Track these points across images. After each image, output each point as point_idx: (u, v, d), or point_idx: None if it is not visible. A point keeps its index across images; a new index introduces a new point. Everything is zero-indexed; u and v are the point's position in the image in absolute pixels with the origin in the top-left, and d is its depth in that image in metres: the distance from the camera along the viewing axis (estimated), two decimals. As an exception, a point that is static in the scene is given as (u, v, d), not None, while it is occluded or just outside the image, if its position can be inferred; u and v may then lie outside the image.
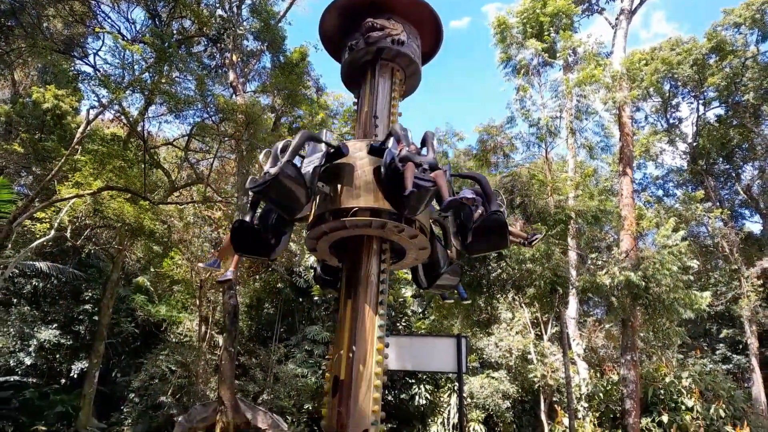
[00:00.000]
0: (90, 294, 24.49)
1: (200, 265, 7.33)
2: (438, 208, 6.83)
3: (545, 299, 14.86)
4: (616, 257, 14.63)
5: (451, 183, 6.73)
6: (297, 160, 6.50)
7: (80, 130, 15.81)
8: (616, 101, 16.70)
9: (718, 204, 23.34)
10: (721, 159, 24.58)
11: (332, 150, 6.65)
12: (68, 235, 17.68)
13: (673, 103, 24.32)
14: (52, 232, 16.54)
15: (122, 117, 16.54)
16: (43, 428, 18.53)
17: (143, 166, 16.15)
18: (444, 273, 7.47)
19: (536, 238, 7.27)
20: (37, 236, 17.05)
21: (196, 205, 19.92)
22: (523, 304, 18.39)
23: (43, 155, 18.59)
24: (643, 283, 12.75)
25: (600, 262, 15.23)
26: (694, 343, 22.84)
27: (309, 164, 6.45)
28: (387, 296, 6.83)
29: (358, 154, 6.74)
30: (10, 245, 18.65)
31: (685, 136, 25.15)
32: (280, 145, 6.61)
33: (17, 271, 22.90)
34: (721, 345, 26.34)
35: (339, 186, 6.59)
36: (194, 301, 22.34)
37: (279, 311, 26.69)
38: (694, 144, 24.42)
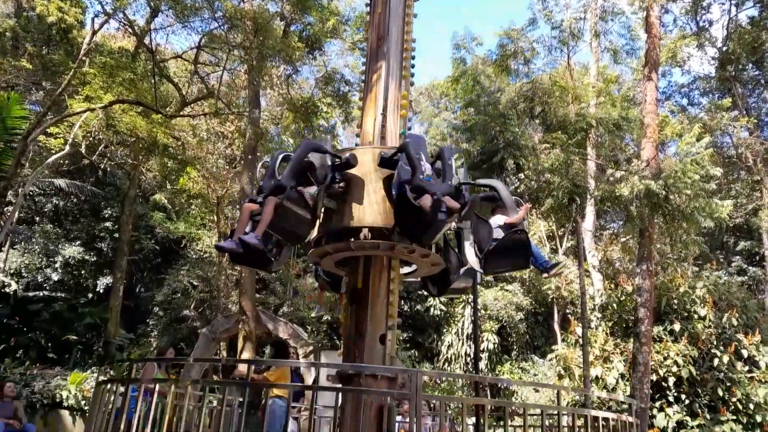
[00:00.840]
0: (109, 212, 24.87)
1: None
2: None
3: (563, 211, 14.73)
4: (636, 167, 14.31)
5: (463, 192, 5.97)
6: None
7: (86, 40, 15.42)
8: (644, 0, 15.72)
9: (744, 113, 22.52)
10: (751, 65, 23.47)
11: (338, 161, 6.09)
12: (83, 150, 17.69)
13: (704, 3, 22.91)
14: (67, 147, 16.53)
15: (128, 27, 16.05)
16: (74, 338, 19.36)
17: (153, 78, 15.83)
18: (457, 278, 6.93)
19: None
20: (53, 152, 17.07)
21: (208, 121, 19.72)
22: (539, 217, 18.28)
23: (52, 69, 18.29)
24: (664, 192, 12.48)
25: (619, 174, 14.93)
26: (710, 255, 22.81)
27: (313, 184, 5.83)
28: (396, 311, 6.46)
29: (366, 165, 6.15)
30: (27, 164, 18.77)
31: (714, 40, 23.96)
32: (279, 158, 6.07)
33: (38, 190, 23.22)
34: (737, 257, 26.31)
35: (346, 202, 6.07)
36: (212, 217, 22.58)
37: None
38: (724, 48, 23.24)
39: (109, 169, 23.53)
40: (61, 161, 20.61)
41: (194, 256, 24.85)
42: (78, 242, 24.57)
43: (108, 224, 24.92)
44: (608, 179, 14.79)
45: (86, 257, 24.34)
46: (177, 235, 23.74)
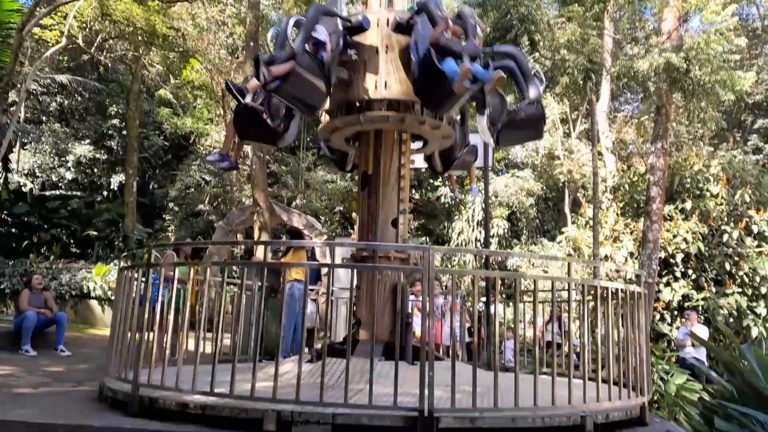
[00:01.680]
0: (115, 109, 24.63)
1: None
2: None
3: (577, 92, 14.28)
4: (656, 42, 13.64)
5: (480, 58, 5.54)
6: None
7: None
8: None
9: (775, -19, 21.08)
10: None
11: (350, 25, 5.70)
12: (81, 44, 17.16)
13: None
14: (64, 39, 16.02)
15: None
16: (94, 233, 19.89)
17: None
18: (461, 156, 6.89)
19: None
20: (50, 45, 16.59)
21: (207, 9, 18.86)
22: (553, 97, 17.77)
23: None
24: (685, 66, 11.96)
25: (637, 50, 14.28)
26: (726, 133, 22.37)
27: (326, 48, 5.39)
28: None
29: (381, 31, 5.77)
30: (27, 62, 18.32)
31: None
32: (291, 22, 5.60)
33: (40, 89, 22.85)
34: (754, 136, 25.80)
35: (358, 71, 5.76)
36: (218, 111, 22.27)
37: (303, 120, 26.63)
38: None
39: (110, 64, 22.95)
40: (61, 57, 20.11)
41: (204, 152, 24.85)
42: (87, 141, 24.58)
43: (115, 122, 24.77)
44: (626, 55, 14.17)
45: (97, 155, 24.47)
46: (185, 130, 23.59)
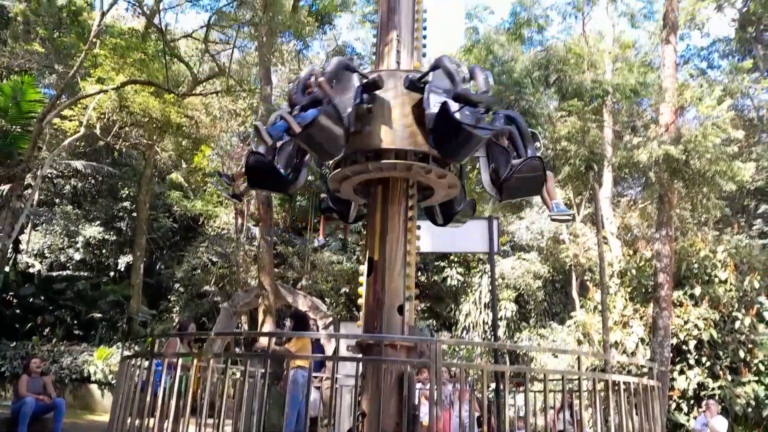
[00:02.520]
0: (127, 192, 25.18)
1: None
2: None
3: (580, 179, 14.59)
4: (654, 133, 14.08)
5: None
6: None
7: (96, 22, 15.40)
8: (662, -39, 15.30)
9: (765, 74, 21.96)
10: (772, 25, 22.85)
11: (366, 81, 6.00)
12: (98, 132, 17.83)
13: (725, -37, 22.27)
14: (82, 129, 16.65)
15: (138, 7, 15.99)
16: (99, 315, 19.80)
17: (164, 58, 15.82)
18: (461, 210, 7.06)
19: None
20: (68, 134, 17.23)
21: (220, 98, 19.71)
22: (556, 185, 18.10)
23: (64, 53, 18.35)
24: (683, 157, 12.30)
25: (637, 140, 14.71)
26: (731, 218, 22.50)
27: (347, 101, 5.74)
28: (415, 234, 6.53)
29: (394, 87, 6.11)
30: (44, 147, 18.98)
31: (734, 1, 23.26)
32: (308, 75, 5.92)
33: (55, 172, 23.51)
34: (759, 220, 25.89)
35: (370, 124, 6.04)
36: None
37: (311, 203, 27.08)
38: (744, 9, 22.57)
39: (124, 149, 23.72)
40: (77, 143, 20.78)
41: (212, 233, 25.10)
42: (98, 222, 24.95)
43: (126, 204, 25.24)
44: (626, 146, 14.58)
45: (106, 237, 24.73)
46: (194, 212, 23.99)
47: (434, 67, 6.01)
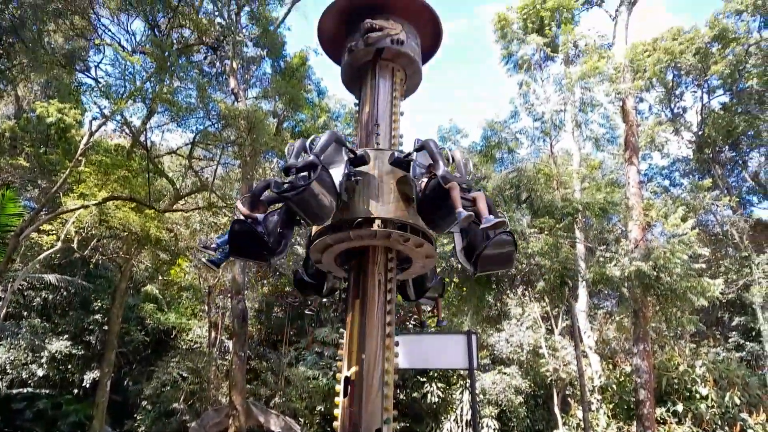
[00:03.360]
0: (99, 304, 24.59)
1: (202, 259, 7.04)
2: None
3: (555, 293, 14.81)
4: (625, 248, 14.56)
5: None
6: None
7: (83, 141, 15.86)
8: (620, 92, 16.60)
9: (726, 192, 23.14)
10: (727, 147, 24.38)
11: (353, 156, 6.51)
12: (75, 246, 17.73)
13: (677, 92, 24.12)
14: (59, 243, 16.59)
15: (125, 127, 16.58)
16: (58, 439, 18.62)
17: (147, 175, 16.18)
18: (431, 286, 7.43)
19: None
20: (45, 248, 17.10)
21: (201, 212, 19.96)
22: (532, 299, 18.30)
23: (48, 168, 18.65)
24: (655, 273, 12.66)
25: (609, 255, 15.16)
26: (706, 331, 22.70)
27: (337, 172, 6.22)
28: (395, 304, 6.72)
29: (379, 163, 6.61)
30: (18, 259, 18.72)
31: (690, 125, 25.00)
32: (303, 143, 6.43)
33: (27, 284, 23.02)
34: (734, 333, 26.11)
35: (355, 196, 6.43)
36: (203, 307, 22.40)
37: (288, 314, 26.70)
38: (700, 133, 24.24)
39: (100, 262, 23.50)
40: (52, 256, 20.58)
41: (184, 347, 24.39)
42: (66, 336, 24.10)
43: (97, 317, 24.57)
44: (598, 260, 14.98)
45: (74, 351, 23.79)
46: (167, 325, 23.42)
47: (420, 147, 6.49)
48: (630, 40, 20.13)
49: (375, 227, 6.22)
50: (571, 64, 17.68)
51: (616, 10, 20.23)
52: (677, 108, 24.79)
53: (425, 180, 6.22)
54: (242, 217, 6.08)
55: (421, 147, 6.48)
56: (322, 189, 5.83)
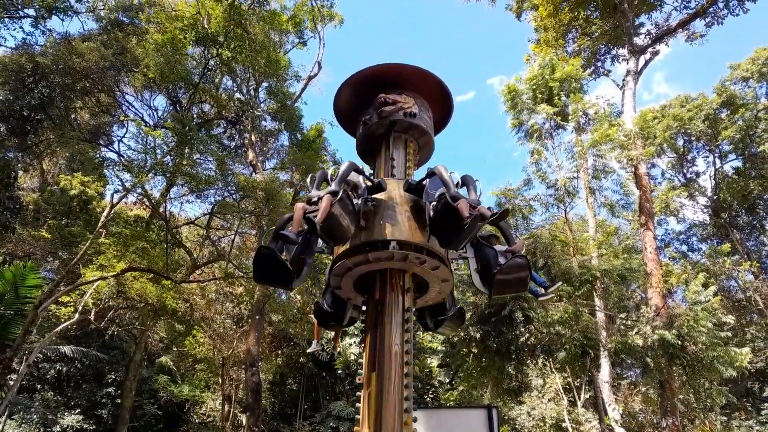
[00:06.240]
0: (113, 376, 24.32)
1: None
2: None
3: (576, 363, 14.39)
4: (646, 316, 14.23)
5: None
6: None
7: (104, 214, 16.18)
8: (633, 158, 16.73)
9: (746, 257, 22.75)
10: (743, 211, 24.19)
11: (371, 183, 6.81)
12: (92, 317, 17.74)
13: (689, 158, 24.29)
14: (77, 315, 16.61)
15: (145, 199, 16.92)
16: None
17: (165, 246, 16.36)
18: (450, 316, 7.30)
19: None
20: (62, 320, 17.11)
21: (218, 282, 20.01)
22: (553, 369, 17.78)
23: (69, 240, 18.95)
24: (679, 342, 12.31)
25: (630, 322, 14.81)
26: (736, 403, 21.73)
27: (357, 197, 6.61)
28: (412, 335, 6.70)
29: (395, 190, 6.88)
30: (35, 330, 18.71)
31: (704, 189, 24.96)
32: (324, 174, 6.88)
33: (42, 356, 22.90)
34: (766, 404, 24.99)
35: (374, 221, 6.66)
36: (216, 379, 22.04)
37: (302, 387, 26.15)
38: (715, 197, 24.15)
39: (116, 333, 23.43)
40: (69, 327, 20.59)
41: (197, 420, 23.83)
42: (78, 410, 23.72)
43: (110, 389, 24.23)
44: (619, 329, 14.62)
45: (85, 425, 23.35)
46: (181, 398, 22.98)
47: (430, 174, 6.72)
48: (637, 108, 20.51)
49: (391, 248, 6.38)
50: (582, 131, 17.94)
51: (623, 80, 20.72)
52: (690, 173, 24.87)
53: (436, 203, 6.50)
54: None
55: (432, 173, 6.74)
56: (342, 212, 6.15)
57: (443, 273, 6.69)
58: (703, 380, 14.15)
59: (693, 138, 22.94)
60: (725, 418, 21.28)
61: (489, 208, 6.47)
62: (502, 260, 6.51)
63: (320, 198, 6.16)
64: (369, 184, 6.83)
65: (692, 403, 19.53)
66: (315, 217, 5.94)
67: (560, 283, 8.63)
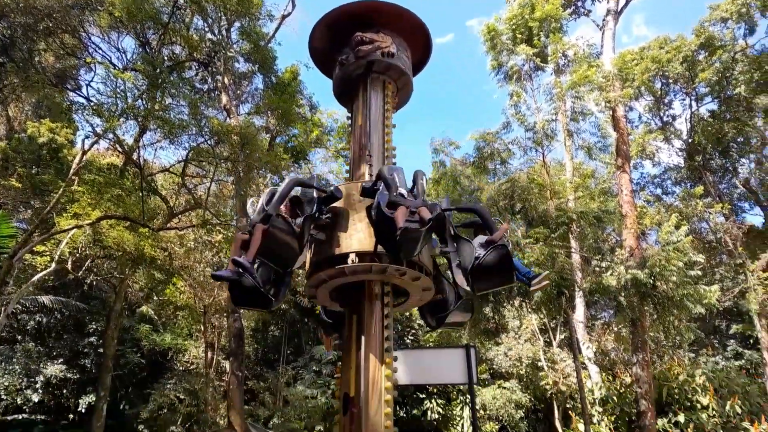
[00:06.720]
0: (94, 326, 24.33)
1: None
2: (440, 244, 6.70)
3: (552, 304, 14.75)
4: (620, 257, 14.55)
5: (448, 218, 6.56)
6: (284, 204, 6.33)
7: (76, 160, 15.80)
8: (611, 101, 16.71)
9: (717, 199, 23.19)
10: (717, 154, 24.50)
11: (324, 195, 6.50)
12: (69, 267, 17.57)
13: (666, 101, 24.33)
14: (53, 264, 16.43)
15: (117, 146, 16.53)
16: (53, 465, 18.28)
17: (141, 193, 16.10)
18: (453, 311, 7.16)
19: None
20: (38, 270, 16.94)
21: (196, 230, 19.87)
22: (530, 311, 18.22)
23: (41, 189, 18.54)
24: (651, 281, 12.64)
25: (605, 264, 15.14)
26: (704, 340, 22.66)
27: (312, 212, 6.27)
28: (392, 333, 6.63)
29: (352, 196, 6.60)
30: (12, 281, 18.53)
31: (679, 132, 25.17)
32: (266, 195, 6.42)
33: (20, 307, 22.76)
34: (732, 341, 26.12)
35: (335, 231, 6.43)
36: (199, 327, 22.20)
37: (285, 333, 26.53)
38: (690, 140, 24.39)
39: (95, 283, 23.31)
40: (46, 277, 20.40)
41: (181, 368, 24.13)
42: (60, 360, 23.80)
43: (92, 339, 24.29)
44: (594, 270, 14.95)
45: (68, 375, 23.49)
46: (163, 346, 23.17)
47: (378, 176, 6.47)
48: (617, 50, 20.36)
49: (350, 262, 6.18)
50: (561, 73, 17.82)
51: (603, 20, 20.49)
52: (667, 116, 24.99)
53: (374, 211, 6.16)
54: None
55: (378, 177, 6.45)
56: (279, 233, 5.90)
57: (424, 282, 6.57)
58: (672, 318, 14.63)
59: (671, 80, 22.94)
60: (693, 354, 22.22)
61: (437, 206, 6.18)
62: (481, 252, 6.21)
63: (254, 226, 5.86)
64: (322, 194, 6.50)
65: (662, 341, 20.30)
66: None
67: (547, 272, 8.45)
